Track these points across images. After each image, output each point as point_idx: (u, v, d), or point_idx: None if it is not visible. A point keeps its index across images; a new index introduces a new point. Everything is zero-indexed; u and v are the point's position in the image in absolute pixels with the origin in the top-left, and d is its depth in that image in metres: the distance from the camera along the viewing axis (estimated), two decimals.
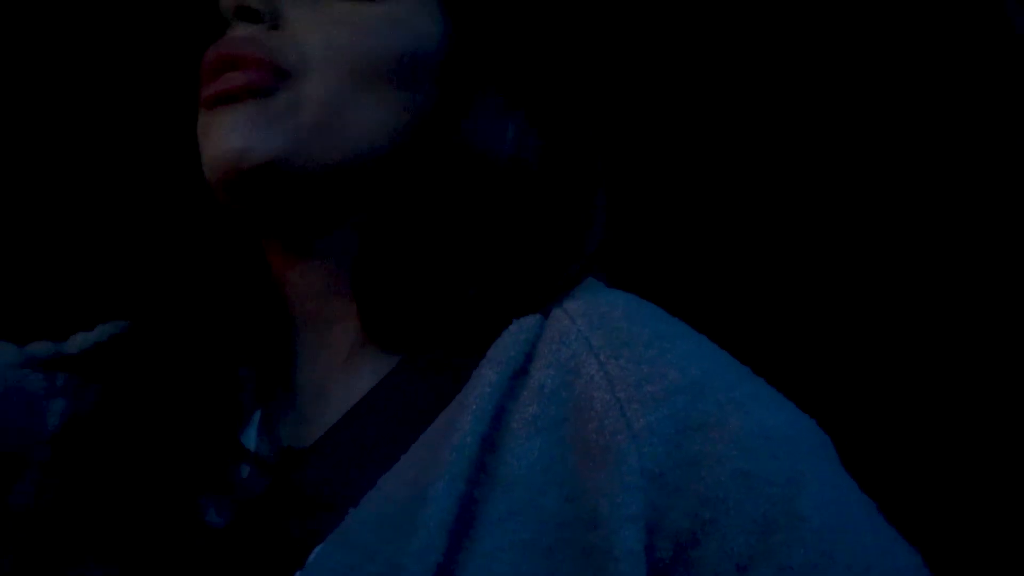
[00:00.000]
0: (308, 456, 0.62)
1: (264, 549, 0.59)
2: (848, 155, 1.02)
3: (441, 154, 0.63)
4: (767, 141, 1.03)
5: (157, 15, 1.04)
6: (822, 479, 0.56)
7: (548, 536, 0.55)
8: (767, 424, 0.57)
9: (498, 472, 0.56)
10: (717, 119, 1.03)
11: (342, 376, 0.65)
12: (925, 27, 0.99)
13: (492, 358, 0.59)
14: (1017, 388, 0.95)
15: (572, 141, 0.66)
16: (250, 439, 0.66)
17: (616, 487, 0.54)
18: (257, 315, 0.69)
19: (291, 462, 0.62)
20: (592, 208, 0.66)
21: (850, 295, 1.02)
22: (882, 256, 1.02)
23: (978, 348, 0.98)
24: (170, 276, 0.70)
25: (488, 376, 0.58)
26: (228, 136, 0.59)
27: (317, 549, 0.57)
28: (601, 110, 0.69)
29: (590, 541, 0.54)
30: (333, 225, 0.64)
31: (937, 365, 0.99)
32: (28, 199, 1.09)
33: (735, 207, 1.03)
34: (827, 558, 0.54)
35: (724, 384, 0.58)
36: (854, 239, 1.02)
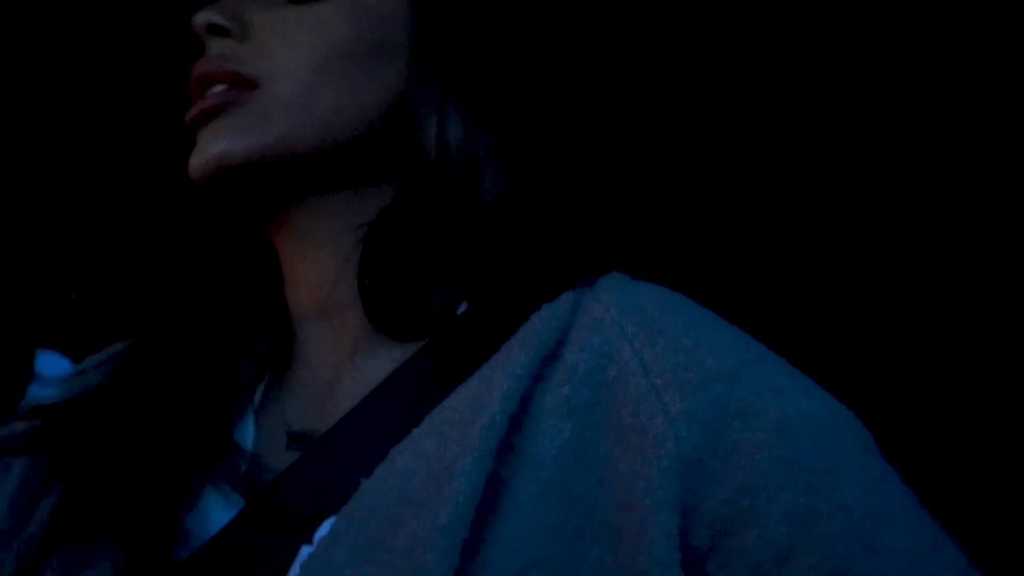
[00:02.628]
0: (321, 441, 0.61)
1: (268, 530, 0.58)
2: (849, 153, 1.02)
3: (413, 143, 0.65)
4: (771, 139, 1.02)
5: (157, 23, 1.03)
6: (864, 468, 0.55)
7: (577, 519, 0.53)
8: (806, 412, 0.56)
9: (527, 452, 0.54)
10: (723, 120, 1.03)
11: (353, 364, 0.64)
12: (925, 27, 0.98)
13: (523, 339, 0.58)
14: (1018, 388, 0.94)
15: (518, 132, 0.67)
16: (247, 428, 0.66)
17: (652, 471, 0.53)
18: (259, 306, 0.71)
19: (302, 446, 0.62)
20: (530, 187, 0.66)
21: (854, 295, 1.01)
22: (885, 257, 1.00)
23: (980, 349, 0.96)
24: (176, 271, 0.72)
25: (519, 356, 0.56)
26: (207, 146, 0.64)
27: (327, 522, 0.56)
28: (551, 104, 0.69)
29: (623, 523, 0.53)
30: (326, 211, 0.66)
31: (940, 366, 0.97)
32: (29, 203, 1.09)
33: (742, 208, 1.02)
34: (870, 549, 0.52)
35: (762, 372, 0.57)
36: (859, 239, 1.01)
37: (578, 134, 0.70)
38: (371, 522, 0.53)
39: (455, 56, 0.66)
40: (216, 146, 0.63)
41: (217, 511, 0.62)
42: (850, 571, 0.52)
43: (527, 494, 0.53)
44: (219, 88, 0.64)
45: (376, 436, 0.59)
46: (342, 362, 0.65)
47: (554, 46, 0.71)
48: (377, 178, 0.66)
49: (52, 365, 0.73)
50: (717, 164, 1.02)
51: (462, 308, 0.64)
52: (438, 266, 0.64)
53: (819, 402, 0.57)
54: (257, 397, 0.68)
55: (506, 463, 0.54)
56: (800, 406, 0.56)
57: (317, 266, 0.66)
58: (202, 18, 0.66)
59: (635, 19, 1.00)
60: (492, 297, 0.63)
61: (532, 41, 0.69)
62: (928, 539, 0.54)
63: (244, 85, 0.64)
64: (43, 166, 1.07)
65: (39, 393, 0.71)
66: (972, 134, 0.98)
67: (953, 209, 0.99)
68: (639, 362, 0.56)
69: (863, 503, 0.53)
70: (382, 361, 0.63)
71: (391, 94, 0.65)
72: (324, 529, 0.56)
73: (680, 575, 0.52)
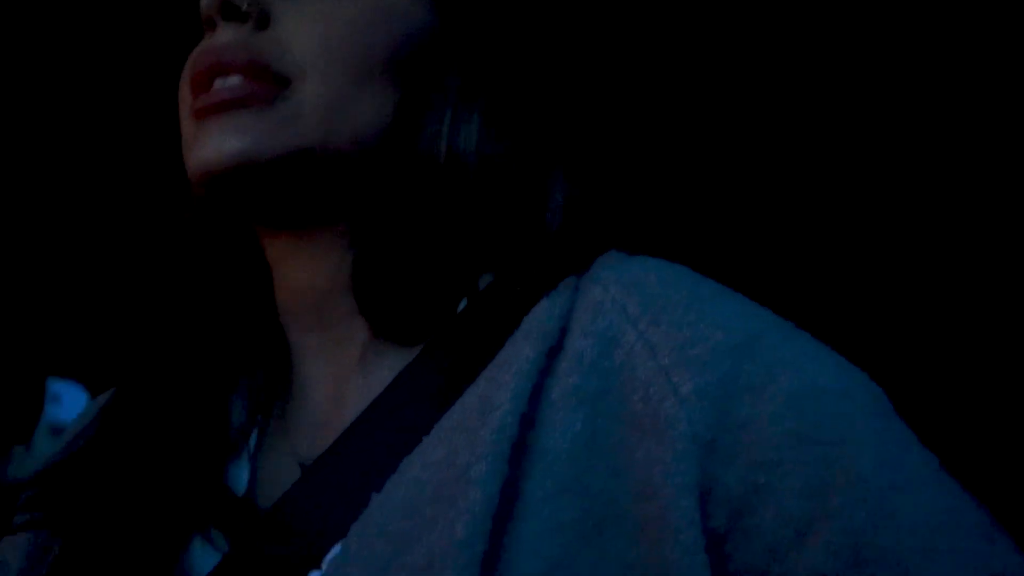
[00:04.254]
0: (322, 460, 0.59)
1: (271, 560, 0.56)
2: (848, 153, 1.00)
3: (421, 148, 0.63)
4: (770, 136, 1.01)
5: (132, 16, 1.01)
6: (880, 435, 0.54)
7: (596, 514, 0.52)
8: (817, 381, 0.54)
9: (539, 449, 0.53)
10: (724, 116, 1.02)
11: (358, 375, 0.62)
12: (925, 27, 0.97)
13: (527, 332, 0.56)
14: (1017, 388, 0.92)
15: (535, 133, 0.65)
16: (242, 473, 0.64)
17: (668, 455, 0.52)
18: (254, 322, 0.68)
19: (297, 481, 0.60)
20: (547, 191, 0.64)
21: (850, 292, 1.00)
22: (881, 255, 0.99)
23: (978, 347, 0.95)
24: (163, 286, 0.68)
25: (524, 351, 0.55)
26: (225, 141, 0.58)
27: (337, 546, 0.54)
28: (567, 102, 0.68)
29: (644, 514, 0.52)
30: (332, 221, 0.63)
31: (936, 364, 0.97)
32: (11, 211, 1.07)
33: (742, 202, 1.01)
34: (890, 518, 0.51)
35: (770, 342, 0.56)
36: (854, 237, 1.00)
37: (590, 135, 0.68)
38: (384, 539, 0.52)
39: (477, 60, 0.64)
40: (239, 140, 0.58)
41: (205, 562, 0.59)
42: (870, 543, 0.51)
43: (543, 493, 0.52)
44: (234, 81, 0.59)
45: (383, 448, 0.57)
46: (347, 375, 0.63)
47: (571, 53, 0.69)
48: (382, 180, 0.62)
49: (69, 393, 0.71)
50: (713, 147, 1.01)
51: (462, 305, 0.62)
52: (438, 265, 0.61)
53: (831, 369, 0.56)
54: (253, 439, 0.65)
55: (520, 464, 0.52)
56: (812, 375, 0.55)
57: (317, 273, 0.63)
58: None
59: (637, 22, 0.99)
60: (491, 292, 0.61)
61: (553, 48, 0.68)
62: (949, 505, 0.53)
63: (271, 80, 0.59)
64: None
65: (58, 414, 0.68)
66: (972, 134, 0.97)
67: (944, 207, 0.98)
68: (644, 343, 0.55)
69: (881, 472, 0.52)
70: (385, 369, 0.61)
71: (411, 99, 0.62)
72: (336, 550, 0.54)
73: (705, 561, 0.51)
